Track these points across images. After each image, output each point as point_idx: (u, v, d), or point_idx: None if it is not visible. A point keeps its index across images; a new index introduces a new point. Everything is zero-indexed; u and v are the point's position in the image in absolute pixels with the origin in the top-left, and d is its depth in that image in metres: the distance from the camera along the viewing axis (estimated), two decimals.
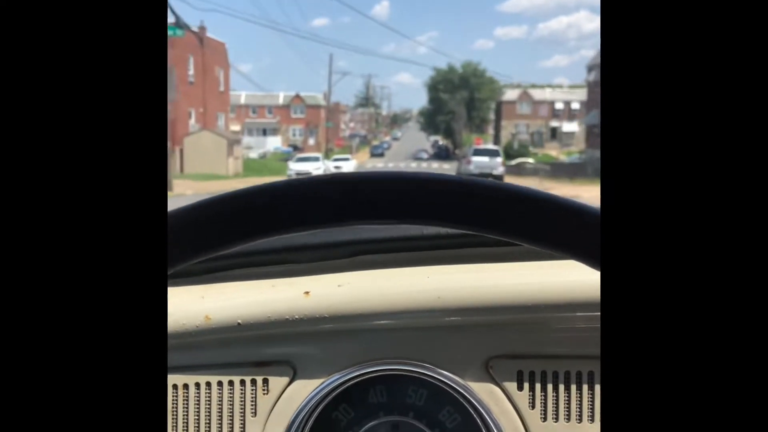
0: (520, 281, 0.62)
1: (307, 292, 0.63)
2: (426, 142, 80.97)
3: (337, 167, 26.89)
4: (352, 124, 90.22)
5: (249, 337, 0.63)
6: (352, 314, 0.62)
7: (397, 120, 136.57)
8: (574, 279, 0.60)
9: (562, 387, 0.62)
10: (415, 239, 0.69)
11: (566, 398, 0.62)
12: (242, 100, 60.76)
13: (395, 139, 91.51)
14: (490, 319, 0.62)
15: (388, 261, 0.68)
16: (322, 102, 64.35)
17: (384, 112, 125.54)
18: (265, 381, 0.63)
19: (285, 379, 0.63)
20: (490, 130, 62.69)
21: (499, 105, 58.64)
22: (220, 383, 0.64)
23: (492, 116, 58.38)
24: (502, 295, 0.61)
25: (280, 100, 60.42)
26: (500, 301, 0.61)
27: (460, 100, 55.39)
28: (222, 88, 32.37)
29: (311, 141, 62.88)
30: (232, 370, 0.64)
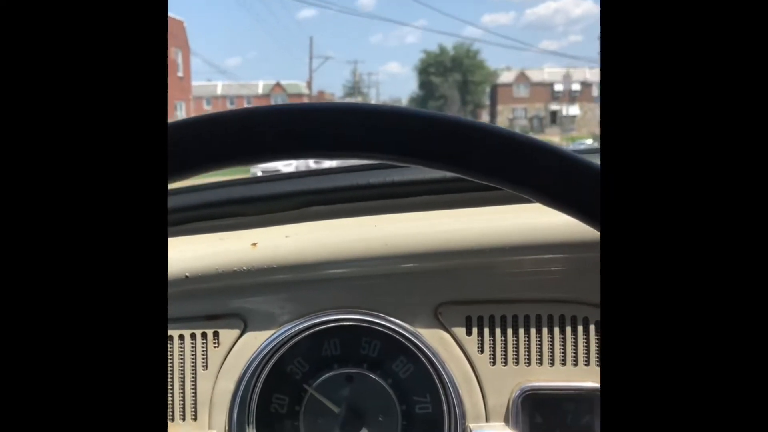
0: (465, 226, 0.62)
1: (254, 244, 0.63)
2: None
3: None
4: None
5: (198, 290, 0.63)
6: (300, 264, 0.62)
7: None
8: (519, 222, 0.61)
9: (510, 331, 0.63)
10: (362, 188, 0.70)
11: (514, 342, 0.63)
12: (219, 91, 56.60)
13: None
14: (437, 265, 0.63)
15: (335, 211, 0.68)
16: (305, 90, 60.09)
17: (373, 101, 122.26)
18: (216, 334, 0.64)
19: (236, 332, 0.64)
20: (485, 116, 58.85)
21: (494, 88, 54.67)
22: (170, 338, 0.64)
23: (487, 101, 54.46)
24: (448, 241, 0.61)
25: (260, 90, 56.38)
26: (446, 246, 0.61)
27: (452, 83, 51.42)
28: (181, 73, 28.44)
29: None
30: (182, 324, 0.64)
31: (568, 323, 0.62)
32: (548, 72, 55.79)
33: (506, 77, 56.13)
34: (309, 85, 46.24)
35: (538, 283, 0.63)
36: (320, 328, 0.63)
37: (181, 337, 0.64)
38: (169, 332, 0.63)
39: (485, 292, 0.63)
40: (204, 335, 0.63)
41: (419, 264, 0.62)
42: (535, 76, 55.06)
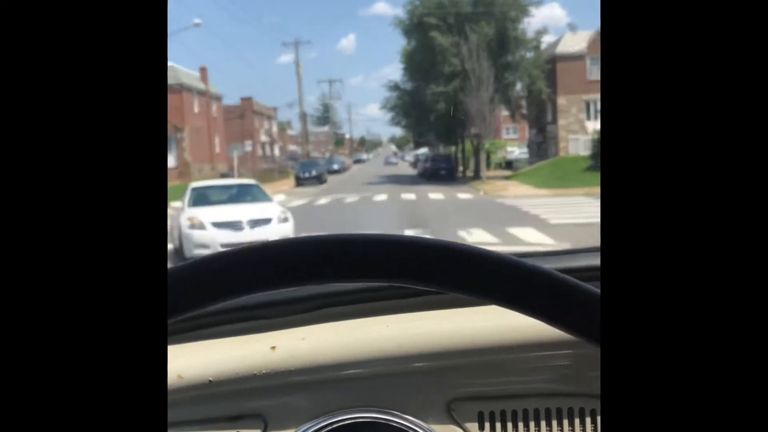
0: (473, 325, 0.66)
1: (273, 347, 0.66)
2: (402, 163, 51.82)
3: None
4: (293, 147, 61.55)
5: (220, 393, 0.66)
6: (317, 366, 0.65)
7: (364, 144, 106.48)
8: (524, 321, 0.57)
9: (521, 425, 0.66)
10: (373, 290, 0.74)
11: None
12: None
13: (359, 161, 61.01)
14: (448, 363, 0.66)
15: (348, 313, 0.73)
16: (197, 83, 30.76)
17: (347, 135, 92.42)
18: None
19: None
20: (545, 118, 31.83)
21: (552, 63, 28.31)
22: None
23: (541, 86, 27.80)
24: (457, 339, 0.65)
25: None
26: (456, 345, 0.65)
27: (479, 46, 24.70)
28: None
29: (170, 159, 30.22)
30: (206, 426, 0.67)
31: (576, 415, 0.65)
32: None
33: (571, 43, 29.88)
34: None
35: (546, 378, 0.66)
36: (337, 425, 0.65)
37: None
38: None
39: (496, 388, 0.66)
40: None
41: (431, 362, 0.65)
42: None
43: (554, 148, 29.64)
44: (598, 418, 0.65)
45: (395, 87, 30.98)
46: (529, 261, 0.32)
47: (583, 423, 0.65)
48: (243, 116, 40.78)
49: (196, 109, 30.69)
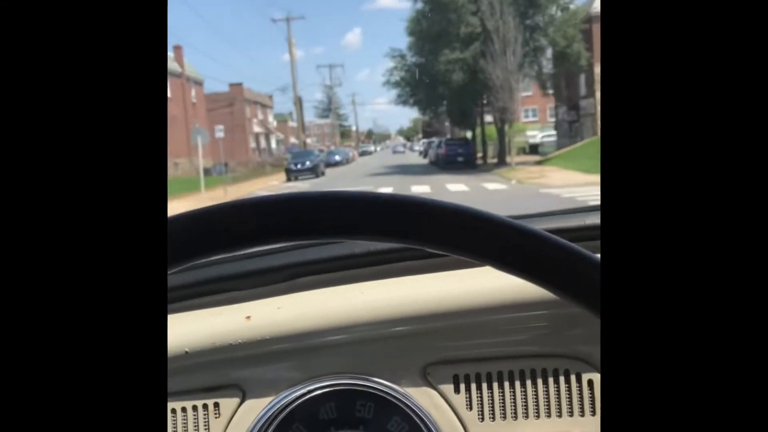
0: (446, 289, 0.66)
1: (248, 317, 0.67)
2: (410, 153, 47.77)
3: None
4: (294, 139, 57.58)
5: (197, 364, 0.67)
6: (292, 334, 0.66)
7: (372, 136, 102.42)
8: (498, 283, 0.65)
9: (495, 387, 0.66)
10: (347, 258, 0.74)
11: (501, 397, 0.66)
12: None
13: (365, 153, 56.44)
14: (422, 327, 0.66)
15: (323, 281, 0.72)
16: (170, 63, 25.58)
17: (353, 127, 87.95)
18: (216, 405, 0.67)
19: (235, 401, 0.67)
20: (577, 92, 26.91)
21: (588, 24, 23.62)
22: (173, 410, 0.68)
23: (579, 49, 23.03)
24: (431, 304, 0.65)
25: None
26: (430, 309, 0.65)
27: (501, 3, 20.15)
28: None
29: None
30: (184, 397, 0.68)
31: (550, 375, 0.66)
32: None
33: None
34: None
35: (520, 339, 0.67)
36: (316, 393, 0.66)
37: (184, 409, 0.67)
38: (171, 405, 0.67)
39: (470, 351, 0.66)
40: (205, 406, 0.67)
41: (405, 327, 0.66)
42: None
43: (591, 127, 25.04)
44: (572, 377, 0.65)
45: (401, 57, 26.36)
46: (523, 222, 0.32)
47: (557, 383, 0.65)
48: (232, 104, 36.32)
49: (168, 94, 26.29)
